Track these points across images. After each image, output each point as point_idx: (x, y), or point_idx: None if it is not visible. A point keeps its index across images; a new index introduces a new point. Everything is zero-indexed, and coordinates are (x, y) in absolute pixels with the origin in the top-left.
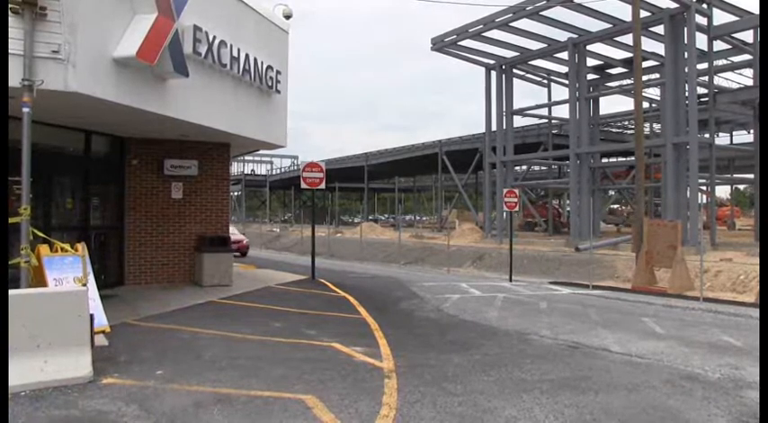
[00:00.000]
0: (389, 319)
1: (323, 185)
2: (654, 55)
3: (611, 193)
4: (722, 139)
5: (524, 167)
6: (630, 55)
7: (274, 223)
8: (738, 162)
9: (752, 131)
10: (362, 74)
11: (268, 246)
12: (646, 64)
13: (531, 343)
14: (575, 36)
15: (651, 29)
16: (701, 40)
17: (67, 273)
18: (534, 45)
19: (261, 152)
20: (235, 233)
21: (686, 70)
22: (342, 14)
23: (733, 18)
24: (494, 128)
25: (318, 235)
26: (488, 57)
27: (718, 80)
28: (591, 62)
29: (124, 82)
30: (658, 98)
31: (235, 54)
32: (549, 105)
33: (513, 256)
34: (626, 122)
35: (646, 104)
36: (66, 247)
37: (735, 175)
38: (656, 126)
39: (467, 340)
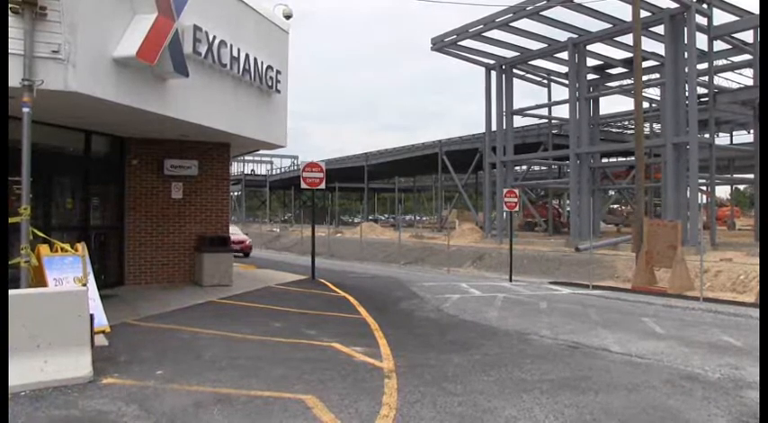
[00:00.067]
0: (389, 319)
1: (323, 185)
2: (654, 55)
3: (611, 193)
4: (722, 139)
5: (524, 167)
6: (630, 55)
7: (274, 223)
8: (738, 162)
9: (752, 131)
10: (362, 74)
11: (268, 246)
12: (646, 64)
13: (531, 343)
14: (575, 36)
15: (651, 29)
16: (701, 40)
17: (67, 273)
18: (534, 45)
19: (261, 152)
20: (237, 233)
21: (686, 70)
22: (342, 14)
23: (733, 18)
24: (494, 128)
25: (318, 235)
26: (488, 57)
27: (718, 80)
28: (591, 62)
29: (124, 82)
30: (658, 98)
31: (235, 54)
32: (549, 105)
33: (513, 256)
34: (626, 122)
35: (646, 104)
36: (66, 247)
37: (735, 176)
38: (656, 126)
39: (467, 340)
